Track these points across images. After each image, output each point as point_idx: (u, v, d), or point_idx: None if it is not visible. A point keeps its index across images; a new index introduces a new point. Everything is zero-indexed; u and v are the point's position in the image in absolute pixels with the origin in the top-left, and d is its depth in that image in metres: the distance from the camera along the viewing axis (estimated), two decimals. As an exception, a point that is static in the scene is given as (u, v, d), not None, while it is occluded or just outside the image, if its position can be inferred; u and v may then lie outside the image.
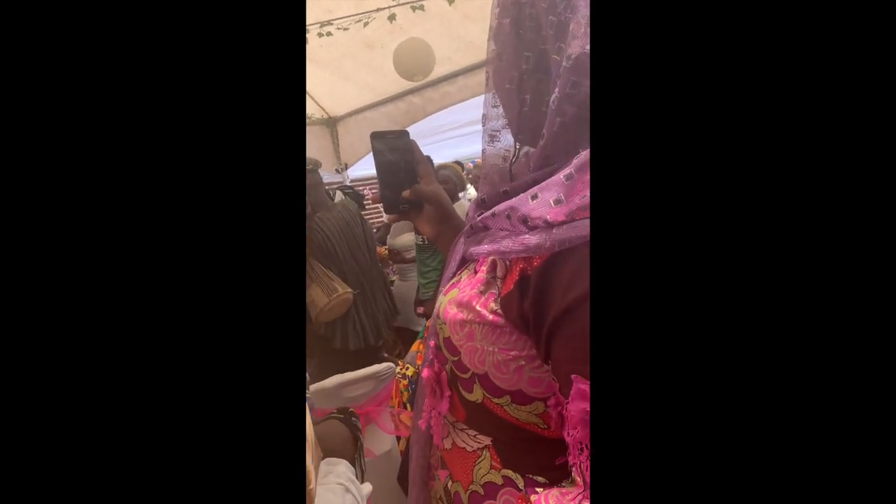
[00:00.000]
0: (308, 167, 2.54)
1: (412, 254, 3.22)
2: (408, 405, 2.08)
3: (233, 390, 0.38)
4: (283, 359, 0.39)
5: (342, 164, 4.05)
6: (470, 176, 4.31)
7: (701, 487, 0.33)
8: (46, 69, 0.36)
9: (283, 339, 0.39)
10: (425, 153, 0.78)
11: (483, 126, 0.58)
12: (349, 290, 2.59)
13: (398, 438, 1.92)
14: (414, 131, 3.36)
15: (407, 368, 2.26)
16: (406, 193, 0.74)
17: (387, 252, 3.30)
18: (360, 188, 3.29)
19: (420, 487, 0.66)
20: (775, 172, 0.33)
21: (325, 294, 2.55)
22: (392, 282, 3.26)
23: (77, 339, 0.36)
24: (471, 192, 4.32)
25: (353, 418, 1.59)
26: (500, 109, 0.57)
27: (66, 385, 0.36)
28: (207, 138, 0.38)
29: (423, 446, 0.63)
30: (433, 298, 3.03)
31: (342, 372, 1.82)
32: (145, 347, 0.37)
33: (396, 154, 0.75)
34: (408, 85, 3.22)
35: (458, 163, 3.97)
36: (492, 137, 0.58)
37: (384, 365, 1.95)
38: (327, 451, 1.09)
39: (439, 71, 2.97)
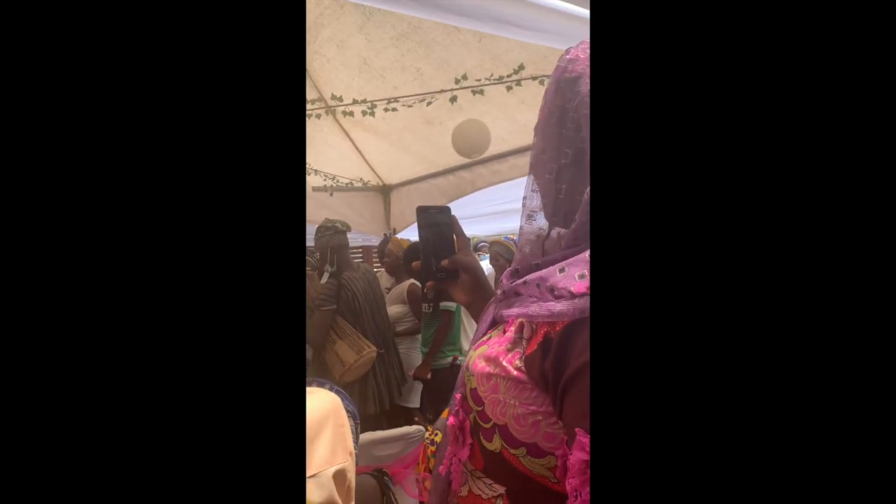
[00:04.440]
0: (340, 229, 2.70)
1: (403, 326, 3.22)
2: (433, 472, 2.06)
3: (234, 389, 0.41)
4: (283, 354, 0.42)
5: (391, 228, 4.24)
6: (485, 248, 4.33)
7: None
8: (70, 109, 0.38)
9: (284, 335, 0.42)
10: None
11: (523, 206, 0.67)
12: (374, 348, 2.63)
13: (420, 505, 1.91)
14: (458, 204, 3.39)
15: (436, 434, 2.26)
16: (445, 262, 0.82)
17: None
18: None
19: (436, 534, 0.70)
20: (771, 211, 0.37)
21: (354, 352, 2.59)
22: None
23: (80, 334, 0.38)
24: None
25: (386, 477, 1.63)
26: (538, 194, 0.66)
27: (73, 381, 0.38)
28: (211, 140, 0.42)
29: (441, 492, 0.68)
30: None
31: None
32: (147, 348, 0.39)
33: (438, 227, 0.84)
34: (460, 160, 3.38)
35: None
36: (529, 217, 0.66)
37: (414, 427, 1.97)
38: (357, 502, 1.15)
39: (492, 149, 3.12)
